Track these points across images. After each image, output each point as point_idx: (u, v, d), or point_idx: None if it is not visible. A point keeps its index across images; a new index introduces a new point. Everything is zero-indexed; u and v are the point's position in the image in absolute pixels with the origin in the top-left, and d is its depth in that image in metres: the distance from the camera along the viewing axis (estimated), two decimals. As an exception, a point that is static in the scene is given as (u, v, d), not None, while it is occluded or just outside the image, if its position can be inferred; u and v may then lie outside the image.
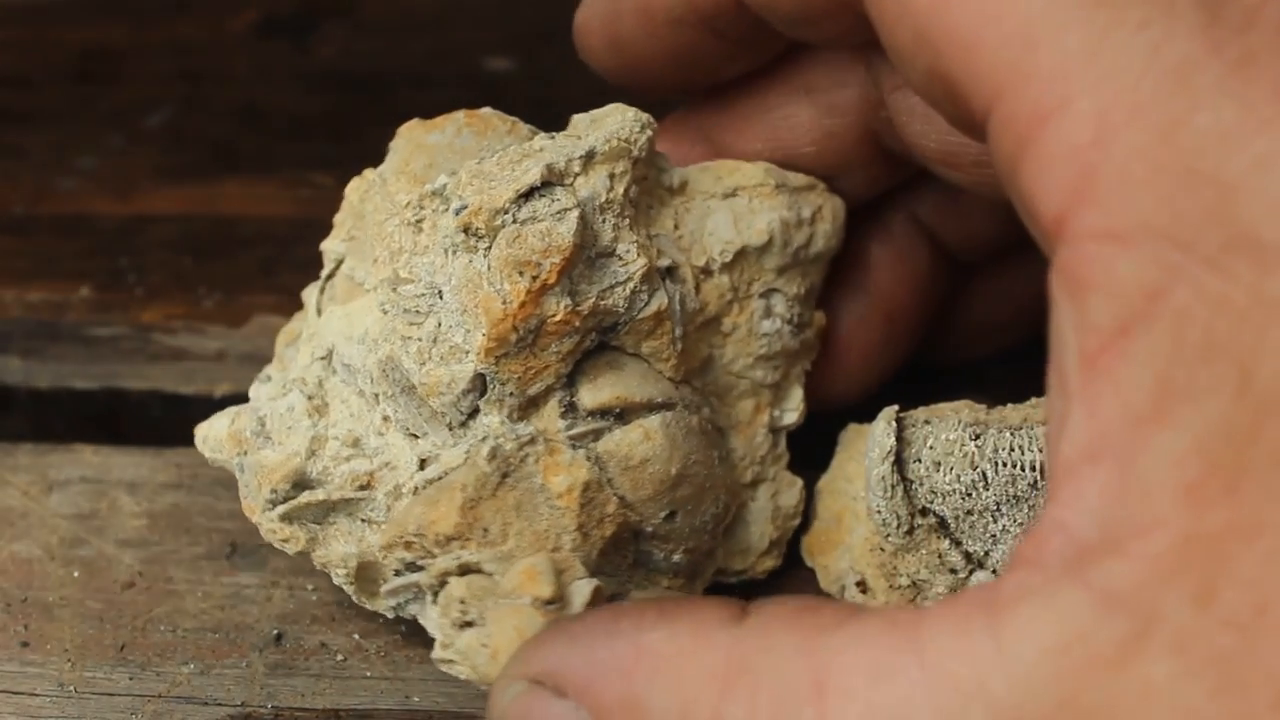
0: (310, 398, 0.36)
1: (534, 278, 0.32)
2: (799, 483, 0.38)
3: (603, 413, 0.34)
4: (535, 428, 0.34)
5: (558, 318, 0.33)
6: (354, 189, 0.37)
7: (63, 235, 0.49)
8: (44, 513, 0.41)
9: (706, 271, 0.36)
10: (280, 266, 0.48)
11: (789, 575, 0.38)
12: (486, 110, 0.36)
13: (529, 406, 0.34)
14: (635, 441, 0.34)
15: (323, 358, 0.36)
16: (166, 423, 0.44)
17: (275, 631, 0.38)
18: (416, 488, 0.34)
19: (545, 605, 0.32)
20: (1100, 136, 0.25)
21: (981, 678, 0.24)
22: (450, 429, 0.34)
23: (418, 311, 0.34)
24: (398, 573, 0.34)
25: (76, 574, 0.39)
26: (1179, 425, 0.24)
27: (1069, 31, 0.25)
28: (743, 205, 0.36)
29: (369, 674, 0.37)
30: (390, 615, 0.35)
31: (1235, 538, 0.23)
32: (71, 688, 0.36)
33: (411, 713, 0.36)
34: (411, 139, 0.36)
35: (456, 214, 0.33)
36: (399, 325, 0.34)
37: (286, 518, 0.35)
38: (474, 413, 0.34)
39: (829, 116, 0.37)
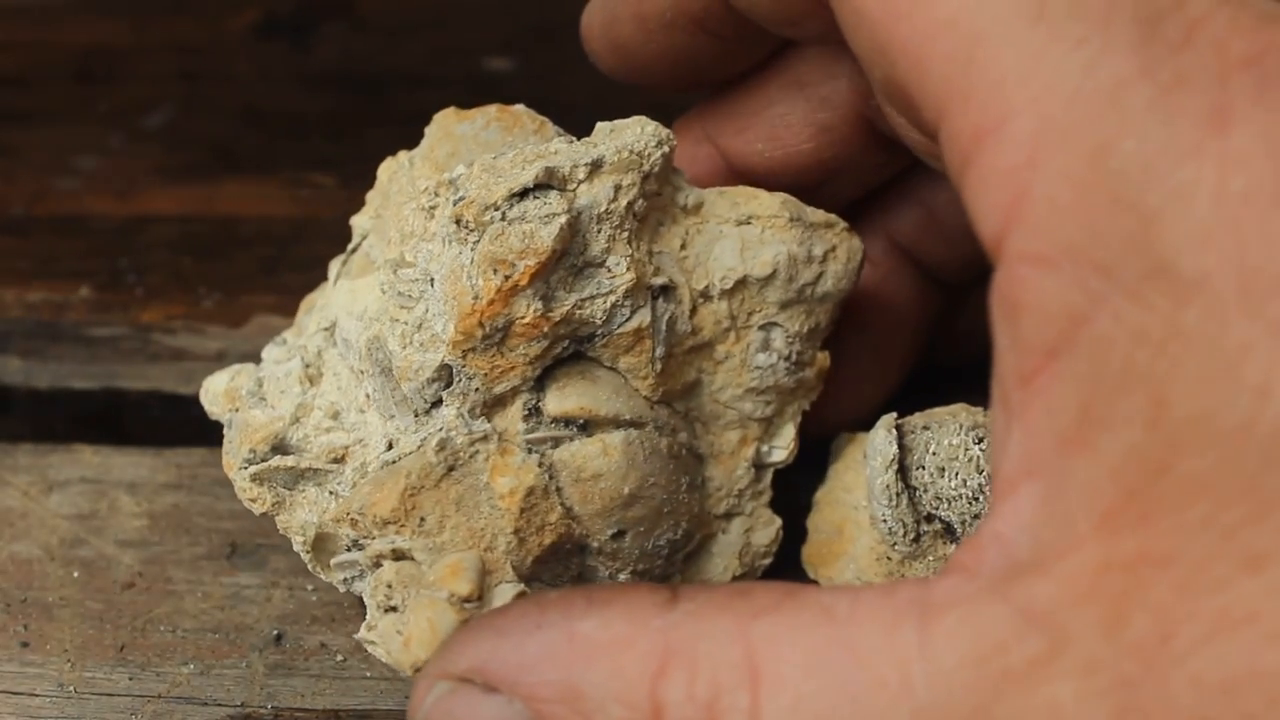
0: (308, 366, 0.36)
1: (506, 277, 0.33)
2: (777, 522, 0.37)
3: (566, 421, 0.34)
4: (494, 426, 0.34)
5: (526, 320, 0.33)
6: (385, 169, 0.37)
7: (62, 235, 0.49)
8: (44, 513, 0.41)
9: (706, 296, 0.35)
10: (280, 266, 0.48)
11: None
12: (519, 107, 0.36)
13: (495, 405, 0.34)
14: (591, 455, 0.34)
15: (326, 329, 0.36)
16: (166, 423, 0.44)
17: (275, 632, 0.38)
18: (376, 468, 0.34)
19: (463, 603, 0.32)
20: (1033, 158, 0.25)
21: (907, 680, 0.24)
22: (415, 415, 0.34)
23: (410, 296, 0.34)
24: (348, 549, 0.35)
25: (76, 574, 0.39)
26: (1098, 451, 0.24)
27: (1008, 48, 0.25)
28: (753, 234, 0.35)
29: (369, 674, 0.37)
30: (342, 589, 0.35)
31: (1145, 567, 0.23)
32: (71, 688, 0.36)
33: (411, 713, 0.36)
34: (443, 126, 0.36)
35: (454, 205, 0.33)
36: (391, 307, 0.34)
37: (257, 478, 0.35)
38: (438, 403, 0.34)
39: (822, 110, 0.37)
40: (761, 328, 0.36)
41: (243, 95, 0.54)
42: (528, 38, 0.56)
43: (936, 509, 0.35)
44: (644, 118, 0.35)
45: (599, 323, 0.34)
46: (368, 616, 0.34)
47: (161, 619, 0.38)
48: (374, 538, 0.34)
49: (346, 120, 0.53)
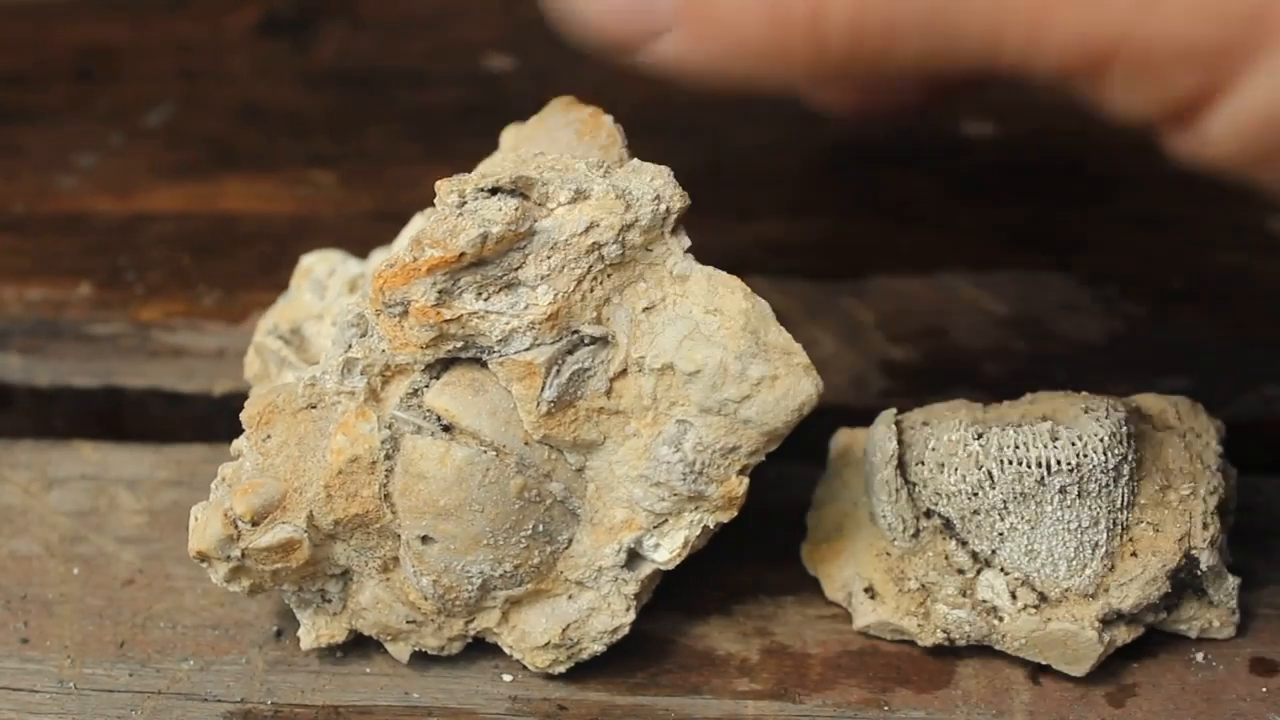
0: (358, 278, 0.40)
1: (415, 258, 0.33)
2: (627, 620, 0.35)
3: (437, 416, 0.34)
4: (371, 387, 0.35)
5: (418, 305, 0.34)
6: (508, 134, 0.39)
7: (63, 233, 0.49)
8: (44, 510, 0.41)
9: (639, 366, 0.34)
10: (279, 264, 0.48)
11: (793, 583, 0.38)
12: (606, 119, 0.37)
13: (396, 372, 0.35)
14: (428, 454, 0.34)
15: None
16: (166, 420, 0.44)
17: (275, 628, 0.38)
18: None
19: (235, 521, 0.34)
20: None
21: None
22: (339, 350, 0.35)
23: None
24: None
25: (76, 571, 0.39)
26: None
27: None
28: (709, 327, 0.34)
29: (369, 670, 0.37)
30: None
31: None
32: (71, 684, 0.36)
33: (411, 708, 0.36)
34: (543, 115, 0.38)
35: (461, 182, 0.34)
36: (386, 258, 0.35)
37: (259, 348, 0.39)
38: (350, 348, 0.35)
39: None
40: (679, 422, 0.34)
41: (242, 93, 0.54)
42: (528, 36, 0.56)
43: (936, 504, 0.35)
44: (667, 170, 0.34)
45: (492, 341, 0.34)
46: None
47: (161, 615, 0.38)
48: (243, 431, 0.35)
49: (346, 118, 0.53)
